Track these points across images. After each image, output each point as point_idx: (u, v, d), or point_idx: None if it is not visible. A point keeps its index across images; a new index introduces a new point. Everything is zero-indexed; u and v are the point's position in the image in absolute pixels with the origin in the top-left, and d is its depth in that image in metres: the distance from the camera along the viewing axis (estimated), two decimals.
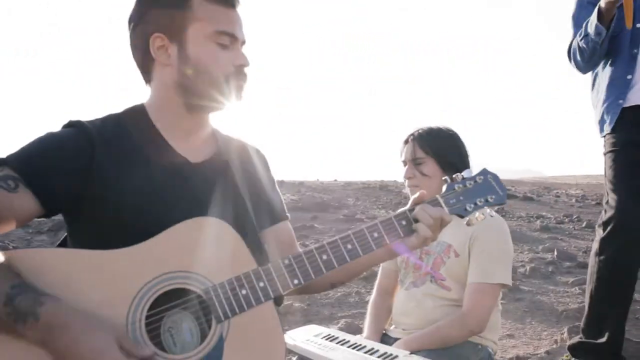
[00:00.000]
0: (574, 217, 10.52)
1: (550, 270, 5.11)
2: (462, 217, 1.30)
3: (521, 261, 5.44)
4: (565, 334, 3.10)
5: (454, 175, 1.33)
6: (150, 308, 1.05)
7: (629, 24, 2.11)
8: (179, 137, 1.26)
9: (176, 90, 1.22)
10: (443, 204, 1.27)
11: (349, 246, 1.17)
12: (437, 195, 1.30)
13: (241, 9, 1.25)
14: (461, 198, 1.29)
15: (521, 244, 6.45)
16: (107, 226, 1.13)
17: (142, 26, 1.21)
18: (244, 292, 1.08)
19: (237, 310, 1.08)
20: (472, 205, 1.28)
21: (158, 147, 1.22)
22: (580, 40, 2.32)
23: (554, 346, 3.04)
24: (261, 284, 1.10)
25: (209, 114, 1.31)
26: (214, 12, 1.19)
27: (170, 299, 1.07)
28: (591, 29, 2.22)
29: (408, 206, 1.28)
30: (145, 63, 1.25)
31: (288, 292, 1.13)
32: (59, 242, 1.29)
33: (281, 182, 13.87)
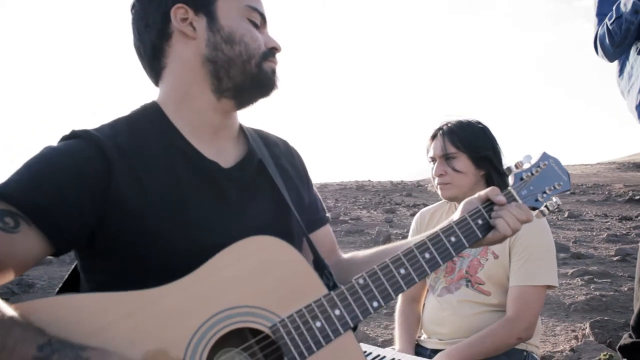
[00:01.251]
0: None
1: None
2: (534, 209, 1.17)
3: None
4: (588, 329, 3.01)
5: (515, 163, 1.19)
6: (209, 356, 0.85)
7: None
8: (204, 137, 1.04)
9: (203, 68, 1.02)
10: (517, 197, 1.13)
11: (427, 255, 1.01)
12: (510, 188, 1.16)
13: None
14: (531, 188, 1.16)
15: None
16: (133, 258, 0.93)
17: (155, 4, 1.03)
18: (318, 324, 0.90)
19: (314, 347, 0.89)
20: (543, 195, 1.16)
21: (182, 153, 1.01)
22: (611, 23, 2.22)
23: (578, 343, 2.94)
24: (337, 312, 0.92)
25: (240, 106, 1.09)
26: None
27: (231, 342, 0.87)
28: (626, 8, 2.13)
29: (478, 204, 1.13)
30: (159, 45, 1.04)
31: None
32: (65, 278, 1.06)
33: None
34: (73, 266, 1.06)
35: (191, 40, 1.02)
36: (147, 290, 0.85)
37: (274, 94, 1.08)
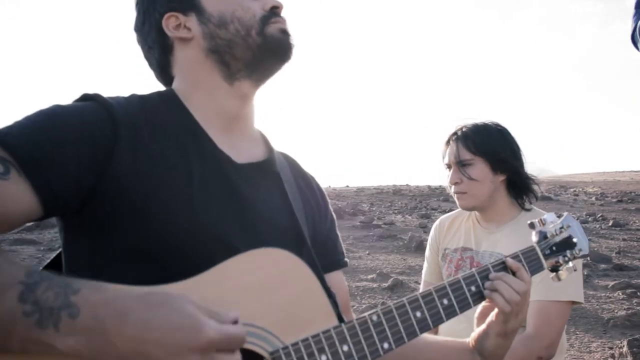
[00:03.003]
0: (598, 215, 10.21)
1: (586, 273, 4.82)
2: (553, 271, 1.14)
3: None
4: (625, 348, 2.82)
5: (537, 220, 1.15)
6: None
7: None
8: (219, 127, 0.99)
9: (208, 60, 0.99)
10: (541, 256, 1.10)
11: (445, 301, 0.95)
12: (534, 244, 1.11)
13: None
14: (554, 249, 1.12)
15: None
16: (124, 239, 0.85)
17: (149, 19, 1.02)
18: (323, 358, 0.82)
19: None
20: (564, 258, 1.12)
21: (194, 137, 0.96)
22: None
23: None
24: (345, 348, 0.83)
25: (255, 92, 1.04)
26: None
27: None
28: None
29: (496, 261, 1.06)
30: (165, 60, 1.03)
31: None
32: (46, 263, 0.97)
33: None
34: (57, 253, 1.00)
35: (190, 41, 1.00)
36: (138, 288, 0.75)
37: (292, 54, 1.01)
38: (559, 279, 1.14)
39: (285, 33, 0.99)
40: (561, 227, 1.15)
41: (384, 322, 0.88)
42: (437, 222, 2.00)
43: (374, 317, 0.87)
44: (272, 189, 1.01)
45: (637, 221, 9.87)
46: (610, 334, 3.23)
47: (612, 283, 4.40)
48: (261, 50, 0.97)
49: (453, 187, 1.77)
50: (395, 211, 10.97)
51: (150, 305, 0.68)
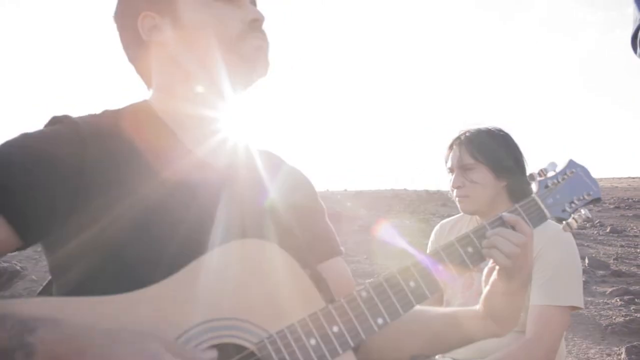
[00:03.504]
0: (596, 222, 10.23)
1: (584, 279, 4.81)
2: (561, 220, 1.06)
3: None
4: (624, 355, 2.83)
5: (539, 170, 1.10)
6: None
7: None
8: (193, 134, 0.99)
9: (180, 67, 0.97)
10: (541, 205, 1.03)
11: (440, 267, 0.91)
12: (534, 195, 1.05)
13: None
14: (558, 197, 1.05)
15: None
16: (105, 253, 0.84)
17: (127, 14, 1.00)
18: (312, 342, 0.80)
19: None
20: (572, 205, 1.06)
21: (168, 146, 0.95)
22: None
23: None
24: (335, 329, 0.81)
25: (227, 97, 1.01)
26: None
27: None
28: None
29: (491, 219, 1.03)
30: (141, 55, 1.01)
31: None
32: (42, 287, 0.98)
33: None
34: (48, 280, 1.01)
35: (163, 45, 0.98)
36: (116, 296, 0.77)
37: (266, 72, 0.99)
38: (571, 228, 1.07)
39: (260, 50, 0.97)
40: (564, 174, 1.09)
41: (374, 296, 0.85)
42: (437, 226, 2.00)
43: (363, 293, 0.85)
44: (252, 188, 1.00)
45: (634, 227, 9.89)
46: (608, 341, 3.23)
47: (610, 289, 4.41)
48: (233, 66, 0.95)
49: (455, 191, 1.78)
50: (394, 215, 10.96)
51: (109, 342, 0.68)
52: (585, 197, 1.08)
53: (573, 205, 1.06)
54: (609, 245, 7.11)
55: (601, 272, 5.12)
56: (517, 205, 1.02)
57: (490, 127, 1.81)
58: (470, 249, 0.95)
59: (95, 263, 0.84)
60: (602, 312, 3.85)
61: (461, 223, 1.91)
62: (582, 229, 8.91)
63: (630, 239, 8.08)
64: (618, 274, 5.13)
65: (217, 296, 0.79)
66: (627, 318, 3.55)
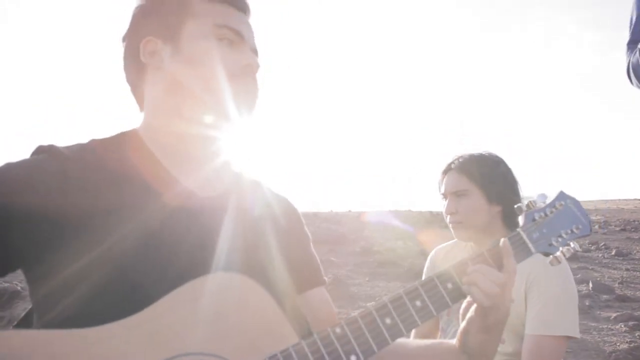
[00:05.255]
0: (601, 244, 10.14)
1: (587, 304, 4.77)
2: (547, 255, 1.05)
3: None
4: None
5: (527, 202, 1.08)
6: None
7: None
8: (181, 164, 1.00)
9: (173, 97, 0.99)
10: (527, 240, 1.02)
11: (418, 303, 0.89)
12: (519, 229, 1.04)
13: (253, 19, 1.06)
14: (545, 231, 1.04)
15: None
16: (88, 285, 0.84)
17: (133, 36, 1.03)
18: None
19: None
20: (559, 239, 1.04)
21: (155, 177, 0.96)
22: None
23: None
24: None
25: (213, 133, 1.03)
26: (214, 9, 1.01)
27: None
28: None
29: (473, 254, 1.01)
30: (138, 79, 1.03)
31: None
32: (22, 315, 0.97)
33: None
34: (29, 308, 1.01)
35: (160, 70, 1.00)
36: (88, 329, 0.77)
37: (252, 113, 1.02)
38: (559, 262, 1.05)
39: (248, 94, 1.00)
40: (552, 207, 1.07)
41: (348, 333, 0.84)
42: (432, 252, 1.99)
43: (337, 330, 0.84)
44: (238, 217, 1.00)
45: None
46: None
47: (614, 315, 4.34)
48: (222, 103, 0.97)
49: (449, 217, 1.77)
50: (397, 237, 10.91)
51: None
52: (574, 231, 1.06)
53: (560, 239, 1.04)
54: (614, 269, 7.02)
55: (605, 297, 5.04)
56: (504, 240, 1.00)
57: (483, 153, 1.80)
58: (450, 285, 0.93)
59: (81, 296, 0.84)
60: (605, 338, 3.78)
61: (457, 249, 1.89)
62: (587, 252, 8.83)
63: (636, 262, 7.99)
64: (623, 298, 5.06)
65: (189, 329, 0.79)
66: (631, 345, 3.49)
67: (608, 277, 6.30)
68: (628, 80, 2.22)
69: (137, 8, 1.05)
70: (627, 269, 7.03)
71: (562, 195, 1.10)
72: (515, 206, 1.08)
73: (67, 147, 0.94)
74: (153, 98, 1.02)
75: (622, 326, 4.01)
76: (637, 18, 2.17)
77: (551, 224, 1.04)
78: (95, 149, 0.96)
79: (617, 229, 13.37)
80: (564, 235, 1.04)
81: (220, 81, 0.97)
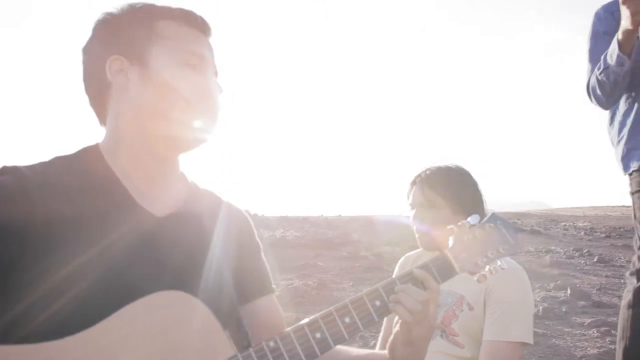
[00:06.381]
0: (585, 251, 10.27)
1: (564, 310, 4.87)
2: (472, 274, 1.14)
3: (533, 300, 5.20)
4: None
5: (459, 224, 1.17)
6: None
7: None
8: (140, 183, 1.04)
9: (137, 119, 1.03)
10: (453, 261, 1.10)
11: (347, 319, 0.98)
12: (446, 251, 1.13)
13: (213, 40, 1.12)
14: (471, 251, 1.12)
15: (532, 281, 6.17)
16: (46, 303, 0.88)
17: (98, 52, 1.06)
18: None
19: None
20: (484, 259, 1.13)
21: (114, 197, 1.00)
22: (600, 73, 2.19)
23: None
24: None
25: (178, 154, 1.10)
26: (182, 34, 1.06)
27: None
28: (612, 60, 2.09)
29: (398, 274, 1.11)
30: (101, 94, 1.06)
31: None
32: None
33: (285, 218, 13.70)
34: None
35: (126, 91, 1.03)
36: (41, 344, 0.83)
37: (212, 138, 1.08)
38: (485, 279, 1.13)
39: (213, 116, 1.06)
40: (482, 228, 1.15)
41: (281, 347, 0.91)
42: (402, 258, 2.09)
43: (271, 343, 0.91)
44: (190, 234, 1.06)
45: (622, 257, 9.94)
46: None
47: (588, 320, 4.44)
48: (185, 124, 1.03)
49: (415, 226, 1.87)
50: (384, 242, 10.99)
51: None
52: (500, 251, 1.14)
53: (485, 259, 1.12)
54: (595, 276, 7.14)
55: (582, 303, 5.15)
56: (429, 261, 1.09)
57: (450, 165, 1.90)
58: (378, 303, 1.02)
59: (39, 313, 0.88)
60: (577, 343, 3.89)
61: (425, 256, 1.99)
62: (570, 259, 8.95)
63: (616, 269, 8.13)
64: (599, 304, 5.18)
65: (136, 344, 0.86)
66: (601, 350, 3.60)
67: (587, 284, 6.41)
68: (588, 98, 2.33)
69: (101, 22, 1.08)
70: (606, 276, 7.15)
71: (492, 217, 1.18)
72: (448, 227, 1.17)
73: (29, 167, 0.99)
74: (118, 117, 1.05)
75: (595, 331, 4.12)
76: (590, 50, 2.29)
77: (479, 245, 1.13)
78: (57, 168, 1.00)
79: (602, 235, 13.50)
80: (489, 255, 1.12)
81: (186, 105, 1.02)
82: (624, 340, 2.18)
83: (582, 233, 14.07)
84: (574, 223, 17.13)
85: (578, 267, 7.85)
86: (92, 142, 1.09)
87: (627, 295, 2.24)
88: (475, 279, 1.14)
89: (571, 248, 10.27)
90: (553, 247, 10.18)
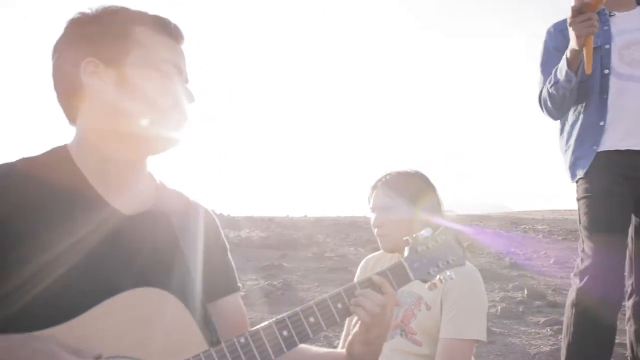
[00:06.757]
0: (542, 253, 10.63)
1: (520, 310, 5.05)
2: (425, 281, 1.24)
3: (492, 301, 5.36)
4: None
5: (414, 235, 1.27)
6: None
7: (588, 69, 2.10)
8: (108, 184, 1.06)
9: (109, 121, 1.04)
10: (408, 270, 1.20)
11: (312, 319, 1.05)
12: (402, 260, 1.23)
13: (186, 47, 1.15)
14: (424, 261, 1.23)
15: (491, 282, 6.41)
16: (14, 301, 0.90)
17: (72, 51, 1.06)
18: None
19: None
20: (435, 269, 1.24)
21: (82, 196, 1.02)
22: (551, 87, 2.31)
23: None
24: None
25: (147, 156, 1.12)
26: (158, 41, 1.09)
27: None
28: (561, 76, 2.21)
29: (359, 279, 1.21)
30: (72, 94, 1.07)
31: None
32: None
33: (250, 218, 13.65)
34: None
35: (100, 93, 1.05)
36: (20, 335, 0.85)
37: (181, 145, 1.11)
38: (436, 287, 1.24)
39: (184, 123, 1.09)
40: (434, 240, 1.25)
41: (251, 343, 0.97)
42: (363, 261, 2.15)
43: (242, 339, 0.97)
44: (159, 232, 1.09)
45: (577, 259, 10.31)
46: None
47: (543, 319, 4.62)
48: (156, 128, 1.06)
49: (376, 229, 1.93)
50: (349, 243, 11.10)
51: (11, 349, 0.79)
52: (450, 261, 1.25)
53: (436, 269, 1.23)
54: (550, 277, 7.41)
55: (538, 303, 5.34)
56: (387, 269, 1.19)
57: (409, 171, 1.98)
58: (340, 305, 1.10)
59: (10, 310, 0.90)
60: (532, 341, 4.05)
61: (384, 259, 2.06)
62: (528, 260, 9.26)
63: (572, 270, 8.41)
64: (554, 304, 5.37)
65: (113, 337, 0.90)
66: (553, 347, 3.75)
67: (544, 284, 6.65)
68: (539, 108, 2.46)
69: (75, 22, 1.08)
70: (561, 277, 7.43)
71: (445, 230, 1.29)
72: (404, 239, 1.27)
73: None
74: (89, 116, 1.06)
75: (549, 330, 4.29)
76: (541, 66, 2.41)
77: (431, 255, 1.23)
78: (24, 170, 1.01)
79: (560, 238, 13.98)
80: (440, 265, 1.23)
81: (158, 110, 1.05)
82: (568, 336, 2.32)
83: (541, 235, 14.52)
84: (533, 226, 17.64)
85: (535, 269, 8.13)
86: (60, 143, 1.10)
87: (571, 295, 2.38)
88: (426, 286, 1.24)
89: (530, 250, 10.61)
90: (513, 249, 10.49)
